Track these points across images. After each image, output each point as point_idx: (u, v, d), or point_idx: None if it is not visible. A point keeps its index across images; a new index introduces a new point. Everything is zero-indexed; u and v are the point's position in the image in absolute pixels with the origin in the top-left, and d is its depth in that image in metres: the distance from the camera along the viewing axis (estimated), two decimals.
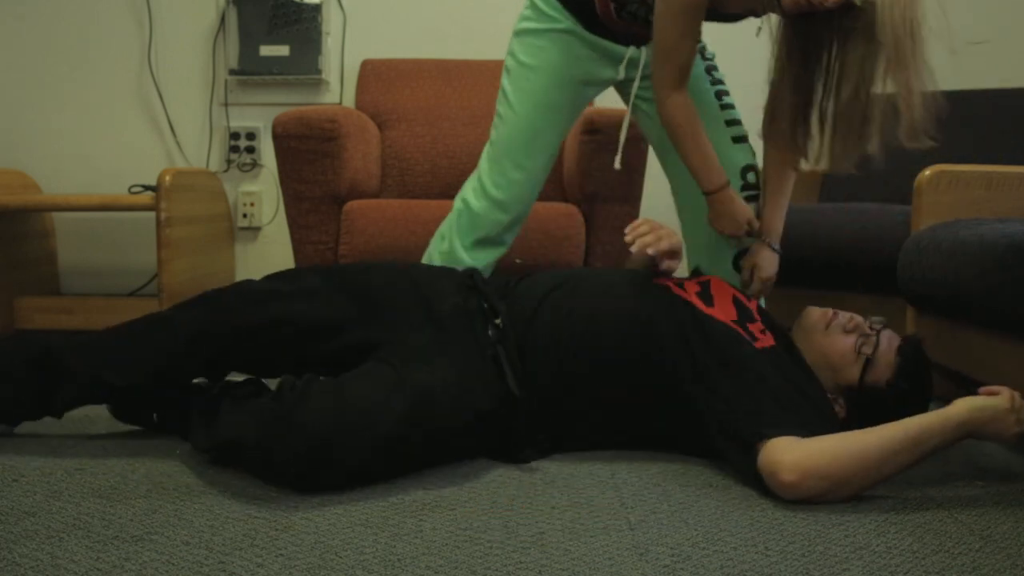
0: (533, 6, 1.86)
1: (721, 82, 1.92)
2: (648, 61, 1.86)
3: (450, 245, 1.90)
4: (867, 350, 1.46)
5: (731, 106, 1.90)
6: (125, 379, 1.44)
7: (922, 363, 1.50)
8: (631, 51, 1.87)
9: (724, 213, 1.76)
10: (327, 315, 1.46)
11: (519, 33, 1.87)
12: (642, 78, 1.88)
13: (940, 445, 1.27)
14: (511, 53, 1.88)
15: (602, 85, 1.93)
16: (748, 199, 1.84)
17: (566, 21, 1.82)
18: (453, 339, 1.45)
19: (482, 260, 1.89)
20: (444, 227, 1.94)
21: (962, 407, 1.27)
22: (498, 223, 1.87)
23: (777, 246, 1.82)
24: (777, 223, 1.82)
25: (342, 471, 1.28)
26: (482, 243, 1.88)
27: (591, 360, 1.47)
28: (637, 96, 1.91)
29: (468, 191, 1.91)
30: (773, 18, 1.67)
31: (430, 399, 1.32)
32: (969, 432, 1.27)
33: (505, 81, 1.88)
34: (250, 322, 1.44)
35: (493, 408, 1.40)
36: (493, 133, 1.89)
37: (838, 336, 1.50)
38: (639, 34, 1.84)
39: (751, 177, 1.86)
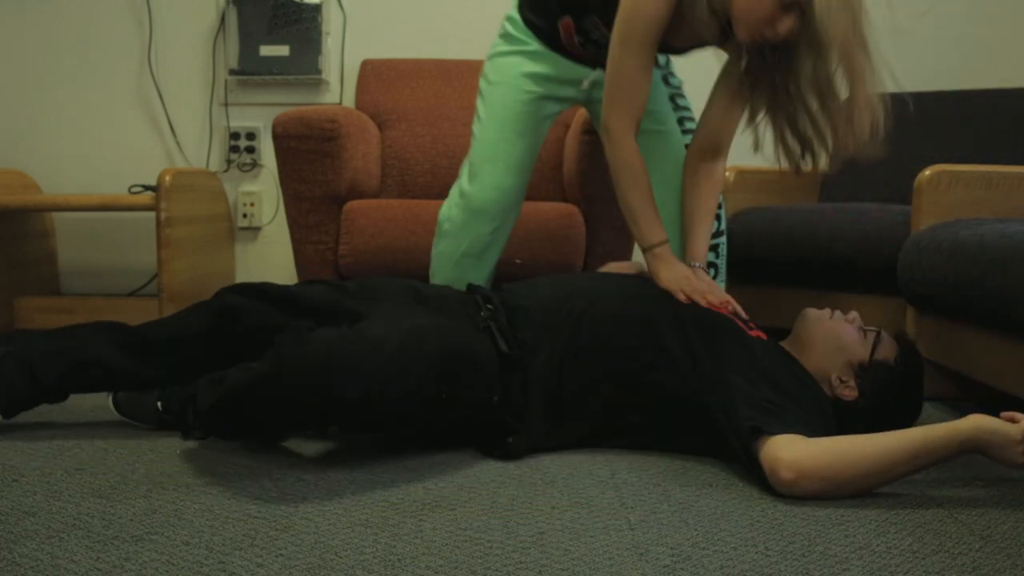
0: (505, 34, 1.94)
1: (685, 108, 1.98)
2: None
3: (437, 262, 1.97)
4: (873, 329, 1.55)
5: (693, 132, 1.92)
6: (171, 333, 1.50)
7: (917, 350, 1.58)
8: (596, 73, 1.91)
9: (660, 271, 1.66)
10: (325, 297, 1.52)
11: (491, 57, 1.95)
12: None
13: (944, 457, 1.27)
14: (483, 76, 1.96)
15: (565, 103, 1.98)
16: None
17: (535, 44, 1.89)
18: (444, 313, 1.50)
19: (471, 277, 1.92)
20: (434, 252, 2.00)
21: (973, 424, 1.25)
22: (479, 236, 1.92)
23: (705, 266, 1.80)
24: (704, 248, 1.80)
25: (343, 400, 1.28)
26: (466, 257, 1.93)
27: (591, 360, 1.48)
28: None
29: (449, 206, 1.97)
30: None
31: (423, 332, 1.35)
32: (974, 450, 1.26)
33: (479, 103, 1.96)
34: (265, 306, 1.50)
35: (491, 365, 1.42)
36: (470, 151, 1.95)
37: (843, 323, 1.57)
38: (603, 59, 1.87)
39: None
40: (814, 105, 1.54)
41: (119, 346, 1.50)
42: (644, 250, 1.71)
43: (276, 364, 1.27)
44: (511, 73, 1.91)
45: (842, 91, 1.53)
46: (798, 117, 1.58)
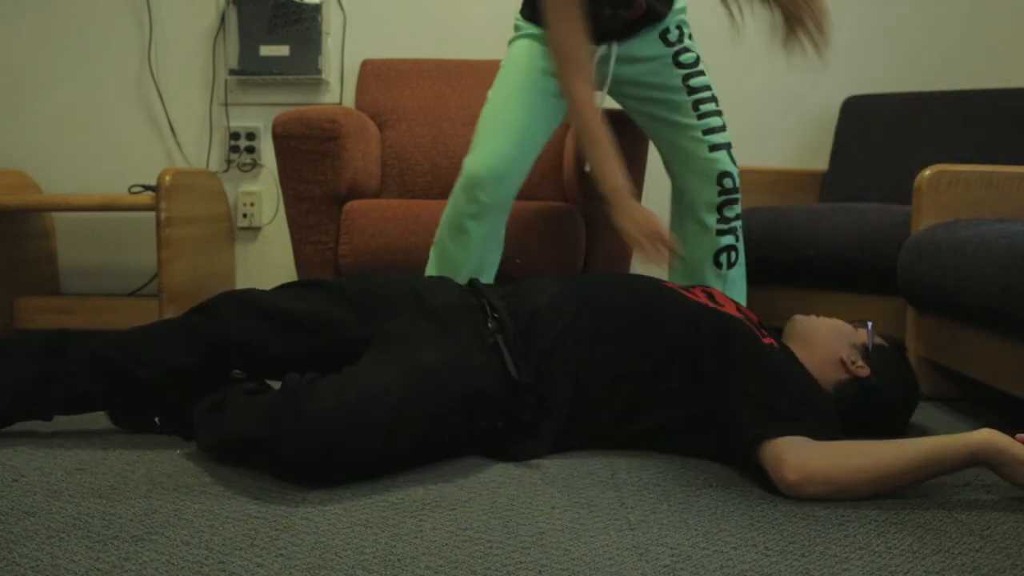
0: (515, 26, 2.03)
1: (700, 89, 1.98)
2: (619, 57, 1.98)
3: (455, 214, 1.94)
4: (861, 321, 1.62)
5: (711, 113, 1.97)
6: (153, 374, 1.46)
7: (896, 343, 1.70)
8: (602, 49, 1.96)
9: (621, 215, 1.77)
10: (321, 310, 1.49)
11: (508, 46, 2.03)
12: (621, 82, 2.00)
13: (951, 469, 1.26)
14: (501, 66, 2.02)
15: None
16: (726, 203, 1.97)
17: (539, 29, 1.95)
18: (450, 329, 1.47)
19: (482, 230, 1.92)
20: (447, 208, 1.99)
21: (984, 439, 1.24)
22: (493, 188, 1.90)
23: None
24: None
25: (350, 458, 1.28)
26: (481, 210, 1.91)
27: (600, 361, 1.48)
28: (626, 96, 2.04)
29: (463, 166, 1.97)
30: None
31: (429, 375, 1.34)
32: (981, 463, 1.25)
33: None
34: (257, 328, 1.47)
35: (498, 393, 1.41)
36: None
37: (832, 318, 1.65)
38: (605, 34, 1.95)
39: (728, 182, 1.96)
40: None
41: (104, 383, 1.48)
42: (605, 193, 1.80)
43: (276, 433, 1.27)
44: (517, 53, 1.98)
45: None
46: None
